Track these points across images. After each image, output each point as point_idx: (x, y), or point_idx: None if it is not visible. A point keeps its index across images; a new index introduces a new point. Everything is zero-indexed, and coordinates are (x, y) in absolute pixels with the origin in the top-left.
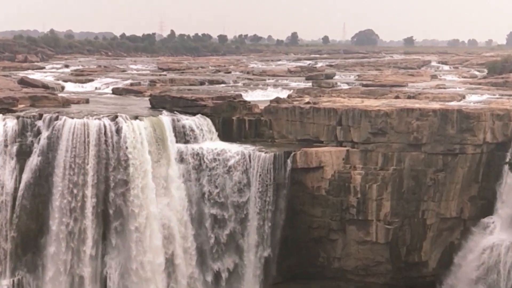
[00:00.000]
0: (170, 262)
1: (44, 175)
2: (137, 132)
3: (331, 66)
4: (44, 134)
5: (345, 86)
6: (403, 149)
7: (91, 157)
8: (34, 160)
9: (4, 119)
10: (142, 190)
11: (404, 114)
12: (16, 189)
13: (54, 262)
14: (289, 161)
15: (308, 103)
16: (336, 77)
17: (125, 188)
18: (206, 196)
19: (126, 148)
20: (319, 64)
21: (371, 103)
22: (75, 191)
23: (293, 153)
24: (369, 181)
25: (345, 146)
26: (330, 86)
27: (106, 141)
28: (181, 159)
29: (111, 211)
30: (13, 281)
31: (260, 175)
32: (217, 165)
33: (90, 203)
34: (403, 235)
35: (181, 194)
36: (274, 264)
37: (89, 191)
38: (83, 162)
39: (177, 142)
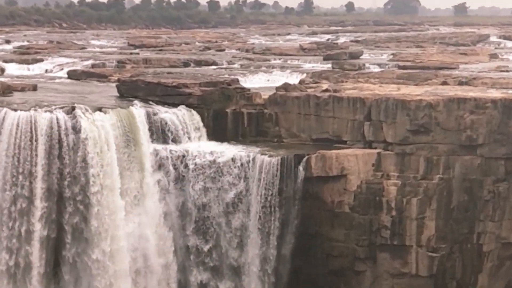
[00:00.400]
0: None
1: None
2: (100, 128)
3: (357, 42)
4: None
5: (376, 69)
6: (452, 152)
7: (40, 164)
8: None
9: None
10: (107, 208)
11: (454, 105)
12: None
13: None
14: (301, 167)
15: (326, 91)
16: (364, 56)
17: (85, 206)
18: (191, 215)
19: (87, 152)
20: (341, 40)
21: (410, 91)
22: (17, 212)
23: (306, 157)
24: (408, 194)
25: (375, 148)
26: (356, 69)
27: (59, 140)
28: (159, 166)
29: (65, 238)
30: None
31: (263, 186)
32: (205, 173)
33: (38, 227)
34: (452, 266)
35: (158, 213)
36: None
37: (36, 211)
38: (29, 171)
39: (153, 142)
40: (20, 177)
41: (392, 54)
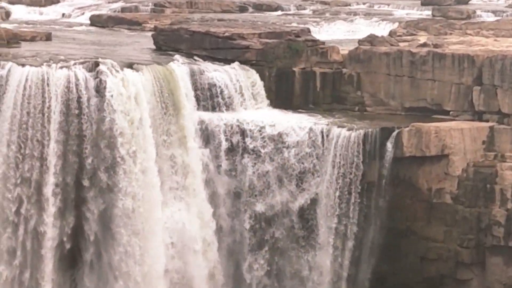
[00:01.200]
0: None
1: None
2: (131, 91)
3: None
4: None
5: (490, 18)
6: None
7: (53, 133)
8: None
9: None
10: (139, 191)
11: None
12: None
13: None
14: (389, 144)
15: (424, 45)
16: (474, 1)
17: (111, 188)
18: (244, 199)
19: (113, 119)
20: None
21: None
22: (25, 191)
23: (396, 131)
24: None
25: (487, 121)
26: (464, 17)
27: (79, 106)
28: (206, 139)
29: (86, 231)
30: None
31: (339, 168)
32: (265, 149)
33: (50, 210)
34: None
35: (203, 197)
36: None
37: (49, 193)
38: (40, 141)
39: (198, 109)
40: (28, 151)
41: None
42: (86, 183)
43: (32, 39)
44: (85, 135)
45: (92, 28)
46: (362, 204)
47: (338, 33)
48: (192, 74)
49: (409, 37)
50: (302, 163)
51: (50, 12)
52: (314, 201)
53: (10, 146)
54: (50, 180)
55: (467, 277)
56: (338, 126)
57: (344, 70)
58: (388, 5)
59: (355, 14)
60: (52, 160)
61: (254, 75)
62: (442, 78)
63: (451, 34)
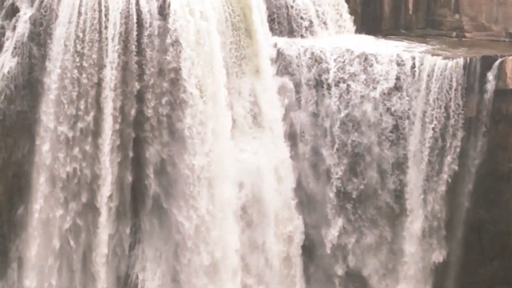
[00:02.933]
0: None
1: (23, 90)
2: (197, 13)
3: None
4: (25, 14)
5: None
6: None
7: (110, 58)
8: (6, 63)
9: None
10: (206, 124)
11: None
12: None
13: (39, 254)
14: (491, 75)
15: None
16: None
17: (174, 121)
18: (327, 138)
19: (178, 44)
20: None
21: None
22: (81, 120)
23: (500, 59)
24: None
25: None
26: None
27: (139, 29)
28: (283, 68)
29: (148, 159)
30: None
31: (433, 101)
32: (349, 79)
33: (107, 144)
34: None
35: (280, 133)
36: (453, 273)
37: (107, 122)
38: (97, 67)
39: (274, 34)
40: (83, 79)
41: None
42: (147, 112)
43: None
44: (146, 66)
45: None
46: (458, 141)
47: None
48: None
49: None
50: (391, 95)
51: None
52: (405, 138)
53: (65, 63)
54: (107, 118)
55: None
56: (433, 54)
57: None
58: None
59: None
60: (110, 100)
61: None
62: None
63: None
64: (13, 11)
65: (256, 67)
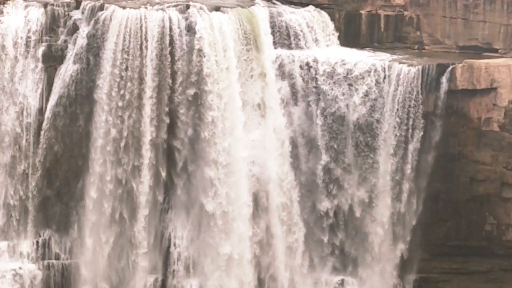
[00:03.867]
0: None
1: (82, 90)
2: (216, 30)
3: None
4: (84, 30)
5: None
6: None
7: (149, 65)
8: (68, 69)
9: (26, 8)
10: (224, 118)
11: None
12: (41, 111)
13: (95, 216)
14: (444, 78)
15: None
16: None
17: (198, 114)
18: (318, 129)
19: (202, 54)
20: None
21: None
22: (126, 114)
23: (451, 66)
24: None
25: None
26: None
27: (172, 43)
28: (283, 74)
29: (177, 146)
30: (37, 242)
31: (399, 99)
32: (336, 82)
33: (147, 131)
34: None
35: (281, 124)
36: (417, 234)
37: (146, 115)
38: (139, 73)
39: (276, 47)
40: (128, 82)
41: None
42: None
43: None
44: (177, 69)
45: None
46: (420, 131)
47: None
48: (271, 16)
49: None
50: (368, 94)
51: None
52: (378, 127)
53: (114, 69)
54: (146, 113)
55: (511, 196)
56: (400, 62)
57: (405, 13)
58: None
59: None
60: (149, 85)
61: (325, 17)
62: (493, 20)
63: None
64: (74, 29)
65: (262, 72)
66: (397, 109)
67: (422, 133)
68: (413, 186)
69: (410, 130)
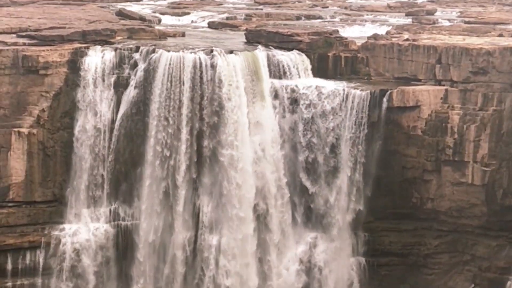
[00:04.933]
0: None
1: (140, 107)
2: (232, 67)
3: (432, 2)
4: (141, 66)
5: (446, 23)
6: (504, 89)
7: (185, 90)
8: (131, 92)
9: (102, 51)
10: (236, 129)
11: (508, 53)
12: (113, 121)
13: (149, 192)
14: (385, 99)
15: (407, 40)
16: (438, 13)
17: (219, 125)
18: (300, 132)
19: (222, 84)
20: (420, 0)
21: (473, 41)
22: (170, 122)
23: (389, 91)
24: (467, 121)
25: (443, 85)
26: (431, 23)
27: (201, 75)
28: (275, 95)
29: (205, 144)
30: (110, 210)
31: (355, 113)
32: (312, 101)
33: (184, 136)
34: (500, 178)
35: (275, 129)
36: (366, 204)
37: (183, 125)
38: (179, 95)
39: (271, 77)
40: (171, 101)
41: (460, 12)
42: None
43: (174, 35)
44: (204, 95)
45: (209, 29)
46: (368, 134)
47: (355, 33)
48: (268, 57)
49: (397, 35)
50: (334, 109)
51: (184, 20)
52: (341, 132)
53: (162, 93)
54: (184, 122)
55: (430, 178)
56: (354, 88)
57: (359, 55)
58: (386, 15)
59: (366, 21)
60: (185, 112)
61: (304, 58)
62: (417, 59)
63: (423, 33)
64: (135, 65)
65: (262, 95)
66: (353, 119)
67: (369, 136)
68: (365, 171)
69: (362, 134)
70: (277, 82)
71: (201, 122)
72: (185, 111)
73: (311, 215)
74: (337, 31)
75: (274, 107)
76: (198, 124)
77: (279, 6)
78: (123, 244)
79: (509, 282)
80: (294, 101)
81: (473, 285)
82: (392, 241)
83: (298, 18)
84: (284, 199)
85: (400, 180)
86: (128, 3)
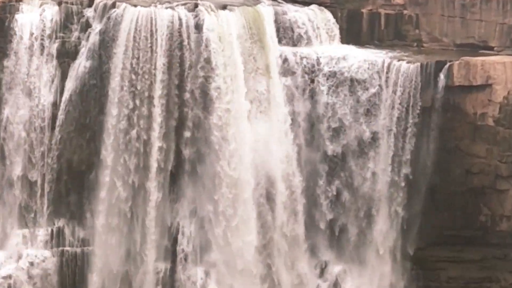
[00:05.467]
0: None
1: (95, 85)
2: (225, 28)
3: None
4: (96, 28)
5: None
6: None
7: (160, 61)
8: (81, 65)
9: (41, 5)
10: (230, 113)
11: None
12: (56, 105)
13: (107, 205)
14: (442, 75)
15: None
16: None
17: (207, 109)
18: (321, 125)
19: (210, 51)
20: None
21: None
22: (138, 107)
23: (448, 64)
24: None
25: None
26: None
27: (181, 40)
28: (286, 70)
29: (185, 140)
30: (52, 230)
31: (399, 95)
32: (337, 79)
33: (157, 127)
34: None
35: (286, 121)
36: (414, 224)
37: (156, 110)
38: (149, 68)
39: (280, 44)
40: (139, 77)
41: None
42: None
43: None
44: (185, 69)
45: None
46: (417, 125)
47: None
48: (276, 14)
49: None
50: (368, 90)
51: None
52: (377, 122)
53: (125, 64)
54: (157, 107)
55: (505, 188)
56: (399, 60)
57: (405, 12)
58: None
59: None
60: (158, 93)
61: (328, 16)
62: (489, 19)
63: None
64: (87, 26)
65: (267, 69)
66: (397, 104)
67: (419, 127)
68: (412, 177)
69: (409, 124)
70: (288, 51)
71: (180, 107)
72: (158, 91)
73: (335, 240)
74: None
75: (284, 86)
76: (176, 110)
77: None
78: (70, 279)
79: None
80: (313, 78)
81: None
82: (452, 277)
83: None
84: (297, 215)
85: (462, 190)
86: None
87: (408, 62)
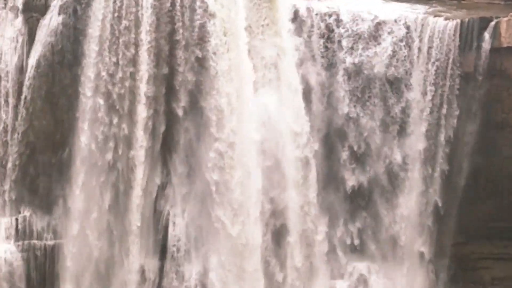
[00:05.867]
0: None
1: (68, 47)
2: None
3: None
4: None
5: None
6: None
7: (146, 18)
8: (52, 21)
9: None
10: (230, 79)
11: None
12: (22, 71)
13: (82, 191)
14: (487, 34)
15: None
16: None
17: (202, 76)
18: (340, 91)
19: (206, 7)
20: None
21: None
22: (120, 73)
23: (495, 20)
24: None
25: None
26: None
27: None
28: (299, 27)
29: (177, 110)
30: (16, 219)
31: (434, 58)
32: (360, 38)
33: (143, 96)
34: None
35: (297, 89)
36: (452, 215)
37: (142, 77)
38: (134, 27)
39: None
40: (121, 37)
41: None
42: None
43: None
44: (177, 28)
45: None
46: (457, 94)
47: None
48: None
49: None
50: (397, 52)
51: None
52: (408, 91)
53: (104, 33)
54: (142, 72)
55: None
56: (435, 15)
57: None
58: None
59: None
60: (145, 58)
61: None
62: None
63: None
64: None
65: (276, 25)
66: (431, 70)
67: (460, 98)
68: (452, 159)
69: (446, 95)
70: (302, 3)
71: (171, 74)
72: (144, 55)
73: (359, 235)
74: None
75: (297, 47)
76: (165, 78)
77: None
78: (38, 278)
79: None
80: (331, 37)
81: None
82: (497, 277)
83: None
84: (311, 208)
85: (511, 174)
86: None
87: (445, 19)
